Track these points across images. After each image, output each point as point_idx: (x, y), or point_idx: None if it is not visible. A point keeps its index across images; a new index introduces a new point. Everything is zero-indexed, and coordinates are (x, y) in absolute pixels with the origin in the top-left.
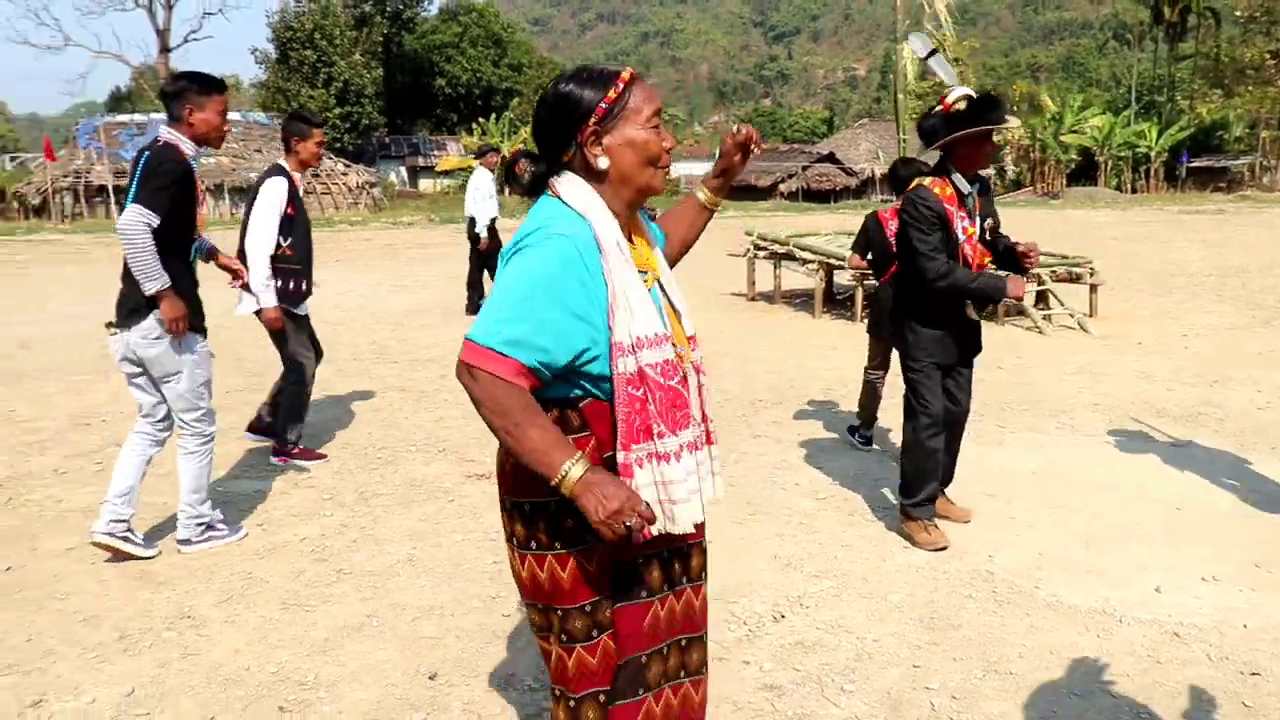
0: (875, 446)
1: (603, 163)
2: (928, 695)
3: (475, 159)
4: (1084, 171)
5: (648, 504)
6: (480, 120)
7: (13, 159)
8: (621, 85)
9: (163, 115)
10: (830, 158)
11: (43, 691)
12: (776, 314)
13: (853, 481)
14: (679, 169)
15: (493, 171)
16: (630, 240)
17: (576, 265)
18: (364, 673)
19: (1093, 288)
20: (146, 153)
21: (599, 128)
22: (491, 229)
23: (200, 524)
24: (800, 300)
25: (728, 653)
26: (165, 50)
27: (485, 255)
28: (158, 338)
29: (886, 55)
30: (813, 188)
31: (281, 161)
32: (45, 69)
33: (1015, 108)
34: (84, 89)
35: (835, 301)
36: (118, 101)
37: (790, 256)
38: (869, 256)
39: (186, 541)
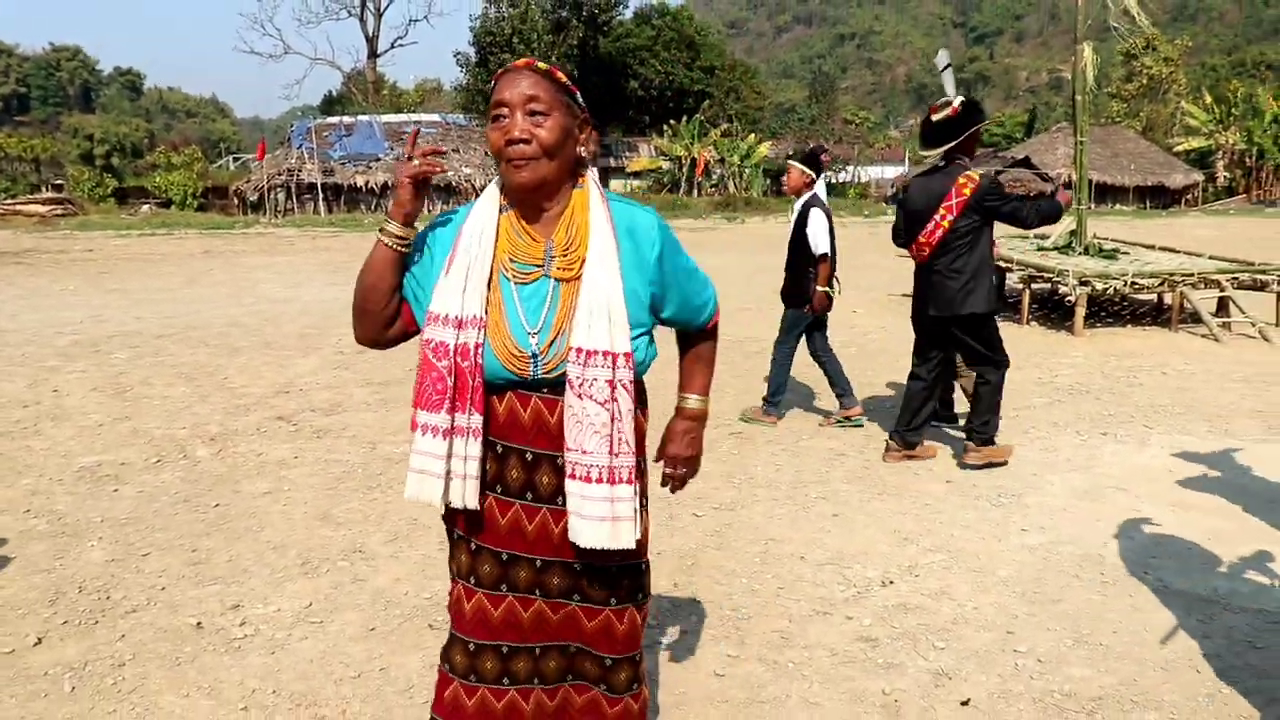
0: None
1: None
2: (1015, 657)
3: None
4: None
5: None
6: (671, 122)
7: (235, 159)
8: (494, 82)
9: (368, 117)
10: (1025, 162)
11: (239, 599)
12: None
13: (984, 471)
14: (870, 172)
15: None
16: (526, 226)
17: (429, 238)
18: None
19: None
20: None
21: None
22: None
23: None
24: None
25: (832, 609)
26: (374, 55)
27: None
28: None
29: (1095, 55)
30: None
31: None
32: (267, 75)
33: (1233, 110)
34: (299, 94)
35: (1004, 304)
36: (329, 105)
37: None
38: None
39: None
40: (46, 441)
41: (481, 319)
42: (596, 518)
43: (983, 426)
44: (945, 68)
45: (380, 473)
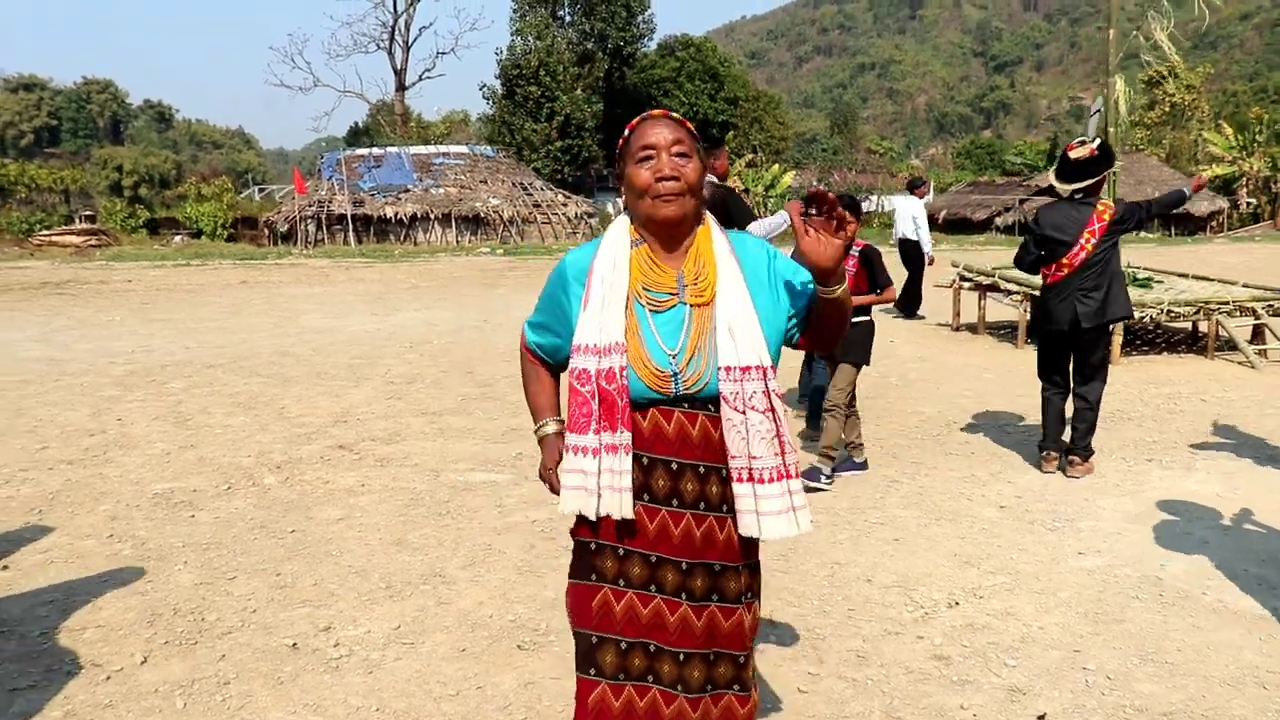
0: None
1: (625, 198)
2: (1084, 674)
3: (909, 190)
4: None
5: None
6: None
7: (261, 189)
8: (628, 130)
9: (396, 148)
10: (1050, 191)
11: (330, 621)
12: (978, 343)
13: (1036, 496)
14: (894, 202)
15: (922, 200)
16: (657, 259)
17: (561, 280)
18: None
19: None
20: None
21: (618, 167)
22: (909, 246)
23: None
24: (1004, 331)
25: (903, 629)
26: (401, 88)
27: (919, 267)
28: None
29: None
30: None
31: None
32: (293, 107)
33: (1256, 137)
34: (328, 125)
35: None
36: (355, 136)
37: (995, 288)
38: None
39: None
40: (118, 469)
41: (622, 344)
42: (776, 512)
43: (1087, 445)
44: (1095, 113)
45: (448, 500)
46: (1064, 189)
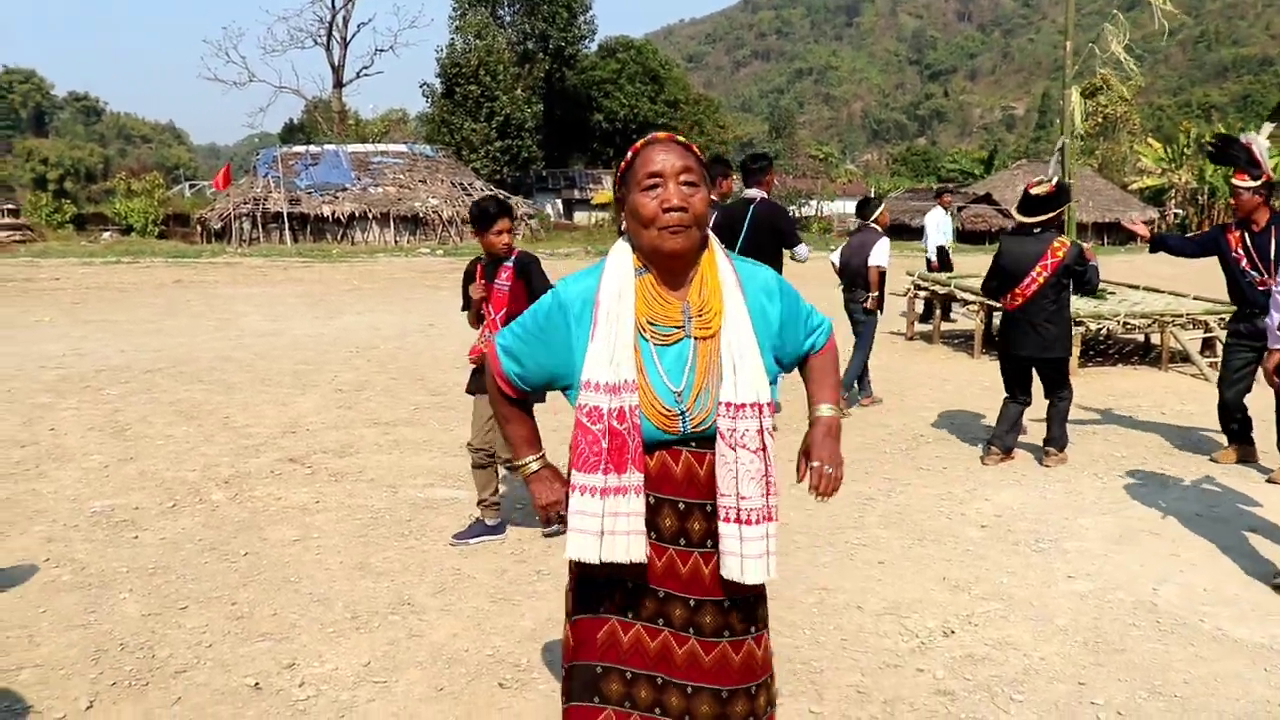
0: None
1: (625, 224)
2: (1094, 710)
3: (934, 199)
4: None
5: (564, 512)
6: None
7: (191, 186)
8: (631, 154)
9: (334, 146)
10: (987, 198)
11: (293, 657)
12: (935, 353)
13: (1016, 514)
14: (831, 208)
15: (946, 210)
16: (661, 290)
17: (563, 311)
18: None
19: None
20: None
21: (620, 194)
22: (943, 253)
23: None
24: (959, 341)
25: (901, 660)
26: (339, 85)
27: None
28: None
29: (1045, 94)
30: (967, 228)
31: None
32: (225, 102)
33: (1184, 150)
34: (263, 121)
35: (994, 342)
36: (291, 133)
37: (951, 298)
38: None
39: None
40: (52, 485)
41: (634, 383)
42: (756, 555)
43: (1061, 437)
44: (1060, 154)
45: (409, 519)
46: (1024, 221)
